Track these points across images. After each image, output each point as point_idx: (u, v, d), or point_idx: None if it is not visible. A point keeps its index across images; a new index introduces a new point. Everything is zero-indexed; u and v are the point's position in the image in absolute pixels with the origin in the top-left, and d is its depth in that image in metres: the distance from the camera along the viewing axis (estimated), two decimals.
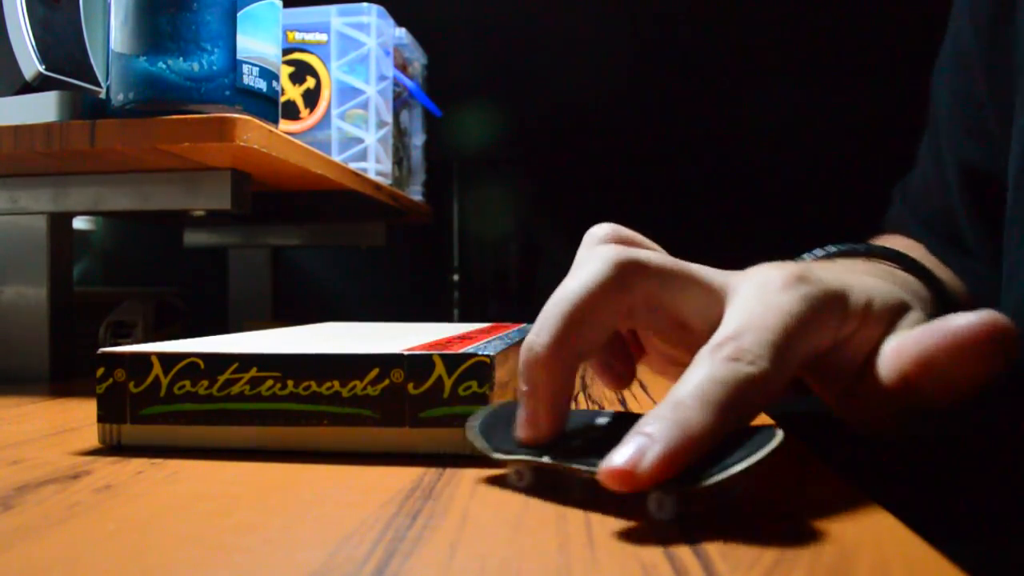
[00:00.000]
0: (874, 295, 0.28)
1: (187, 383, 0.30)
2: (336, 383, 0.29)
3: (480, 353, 0.28)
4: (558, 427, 0.25)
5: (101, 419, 0.30)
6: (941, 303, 0.38)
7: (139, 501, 0.23)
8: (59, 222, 0.56)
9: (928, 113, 0.54)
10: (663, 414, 0.22)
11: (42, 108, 0.48)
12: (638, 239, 0.32)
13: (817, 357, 0.27)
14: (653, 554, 0.19)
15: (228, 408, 0.29)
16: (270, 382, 0.29)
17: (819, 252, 0.41)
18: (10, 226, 0.55)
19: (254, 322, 0.79)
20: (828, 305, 0.27)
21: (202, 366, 0.30)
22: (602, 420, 0.27)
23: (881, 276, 0.35)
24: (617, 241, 0.31)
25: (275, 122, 0.51)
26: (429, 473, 0.26)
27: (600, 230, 0.31)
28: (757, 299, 0.26)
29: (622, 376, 0.32)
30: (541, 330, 0.25)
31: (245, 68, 0.48)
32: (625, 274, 0.26)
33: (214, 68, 0.47)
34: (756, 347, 0.24)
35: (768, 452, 0.21)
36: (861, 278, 0.30)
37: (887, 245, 0.42)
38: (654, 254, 0.28)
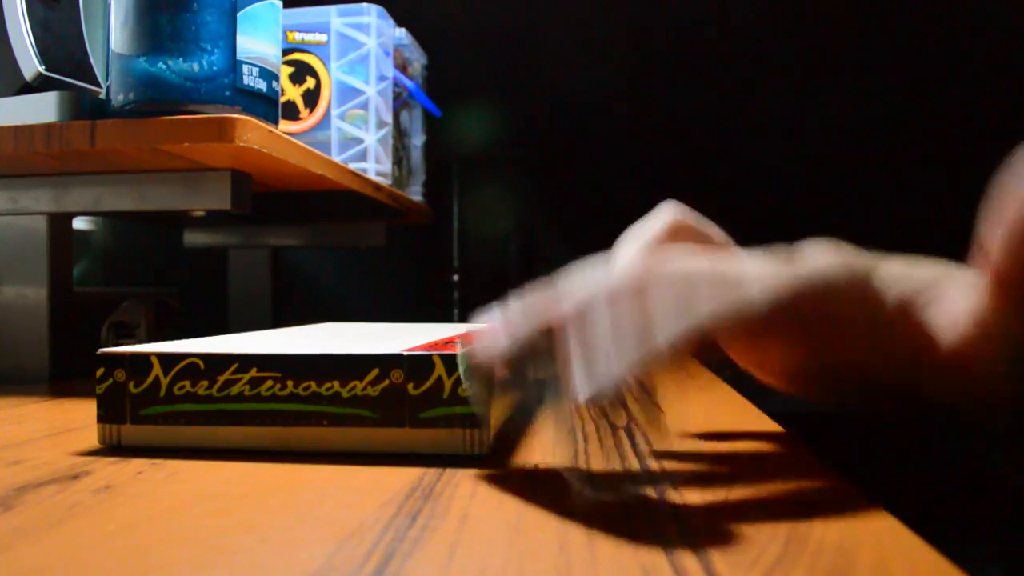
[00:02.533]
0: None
1: (187, 383, 0.30)
2: (336, 383, 0.29)
3: None
4: None
5: (101, 419, 0.30)
6: None
7: (139, 501, 0.23)
8: (59, 222, 0.56)
9: None
10: None
11: (42, 108, 0.48)
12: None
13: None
14: (653, 554, 0.19)
15: (228, 408, 0.29)
16: (270, 382, 0.29)
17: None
18: (10, 226, 0.55)
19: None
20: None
21: (202, 366, 0.30)
22: None
23: None
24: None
25: (275, 122, 0.51)
26: (429, 473, 0.26)
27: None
28: None
29: None
30: None
31: (245, 68, 0.48)
32: None
33: (214, 68, 0.47)
34: None
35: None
36: None
37: None
38: None
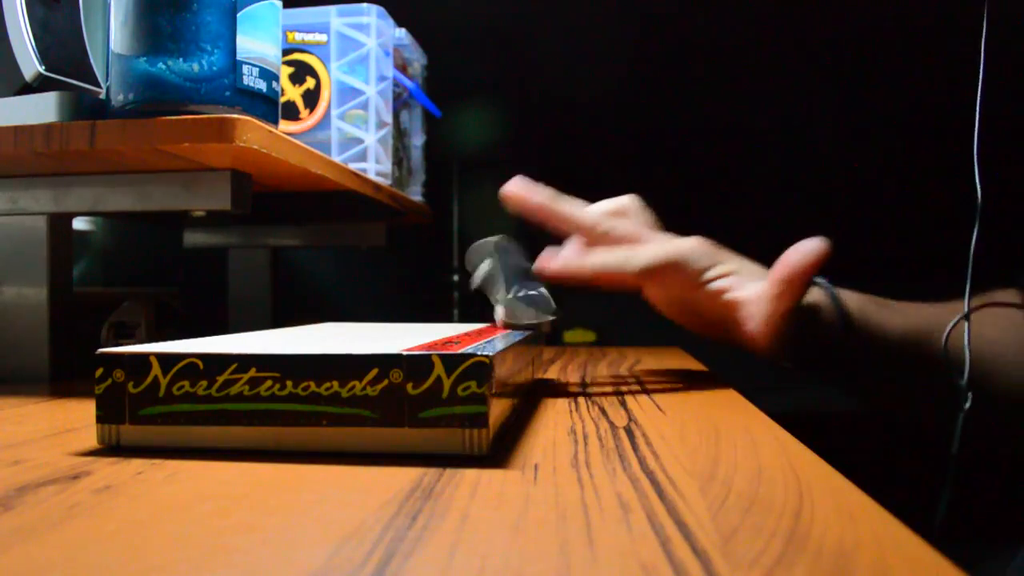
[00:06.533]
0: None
1: (186, 383, 0.30)
2: (335, 383, 0.29)
3: (479, 353, 0.28)
4: None
5: (100, 419, 0.30)
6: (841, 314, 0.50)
7: (139, 501, 0.23)
8: (59, 222, 0.56)
9: None
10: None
11: (42, 108, 0.48)
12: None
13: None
14: (653, 554, 0.19)
15: (227, 408, 0.29)
16: (269, 382, 0.29)
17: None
18: (10, 226, 0.55)
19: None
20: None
21: (201, 366, 0.30)
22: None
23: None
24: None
25: (275, 123, 0.51)
26: (429, 473, 0.26)
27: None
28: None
29: None
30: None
31: (245, 69, 0.48)
32: None
33: (214, 69, 0.47)
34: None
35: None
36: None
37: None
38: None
